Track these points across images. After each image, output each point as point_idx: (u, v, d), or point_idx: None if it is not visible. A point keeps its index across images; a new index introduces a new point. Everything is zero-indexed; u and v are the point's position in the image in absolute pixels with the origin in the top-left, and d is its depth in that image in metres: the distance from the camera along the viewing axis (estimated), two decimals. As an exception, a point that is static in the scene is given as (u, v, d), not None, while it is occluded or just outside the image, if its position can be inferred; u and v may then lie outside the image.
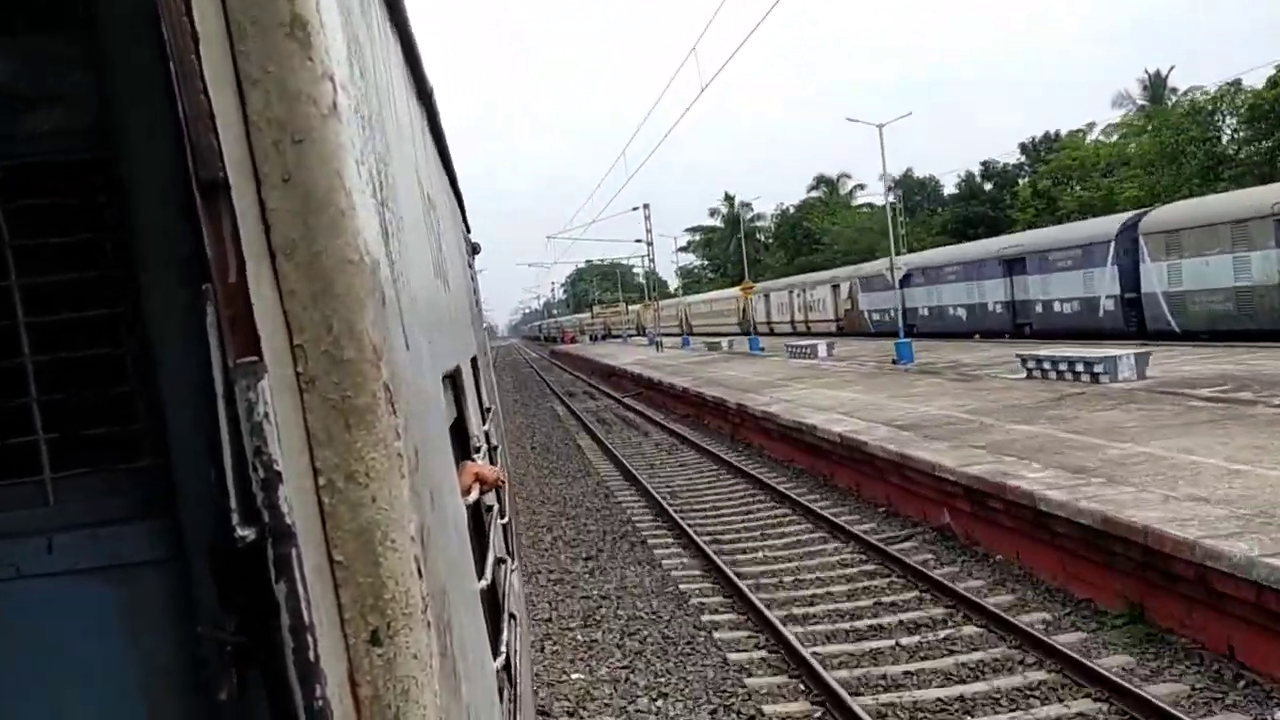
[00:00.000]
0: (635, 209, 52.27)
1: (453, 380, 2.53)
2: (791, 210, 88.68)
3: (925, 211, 67.20)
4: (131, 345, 1.21)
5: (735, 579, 9.79)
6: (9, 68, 1.18)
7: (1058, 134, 56.68)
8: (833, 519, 11.99)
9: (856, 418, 15.08)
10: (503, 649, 2.52)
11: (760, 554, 11.20)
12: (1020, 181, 55.20)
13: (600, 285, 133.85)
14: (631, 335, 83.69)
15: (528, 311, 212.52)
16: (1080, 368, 16.69)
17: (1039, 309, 31.05)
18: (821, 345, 30.55)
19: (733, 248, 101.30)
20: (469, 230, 7.75)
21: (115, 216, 1.19)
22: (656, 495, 14.41)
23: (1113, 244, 27.11)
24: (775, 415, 16.78)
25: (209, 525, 1.15)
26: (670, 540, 12.16)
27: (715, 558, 10.68)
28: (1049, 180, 49.27)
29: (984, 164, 59.13)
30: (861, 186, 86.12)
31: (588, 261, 61.23)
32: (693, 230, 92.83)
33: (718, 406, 20.86)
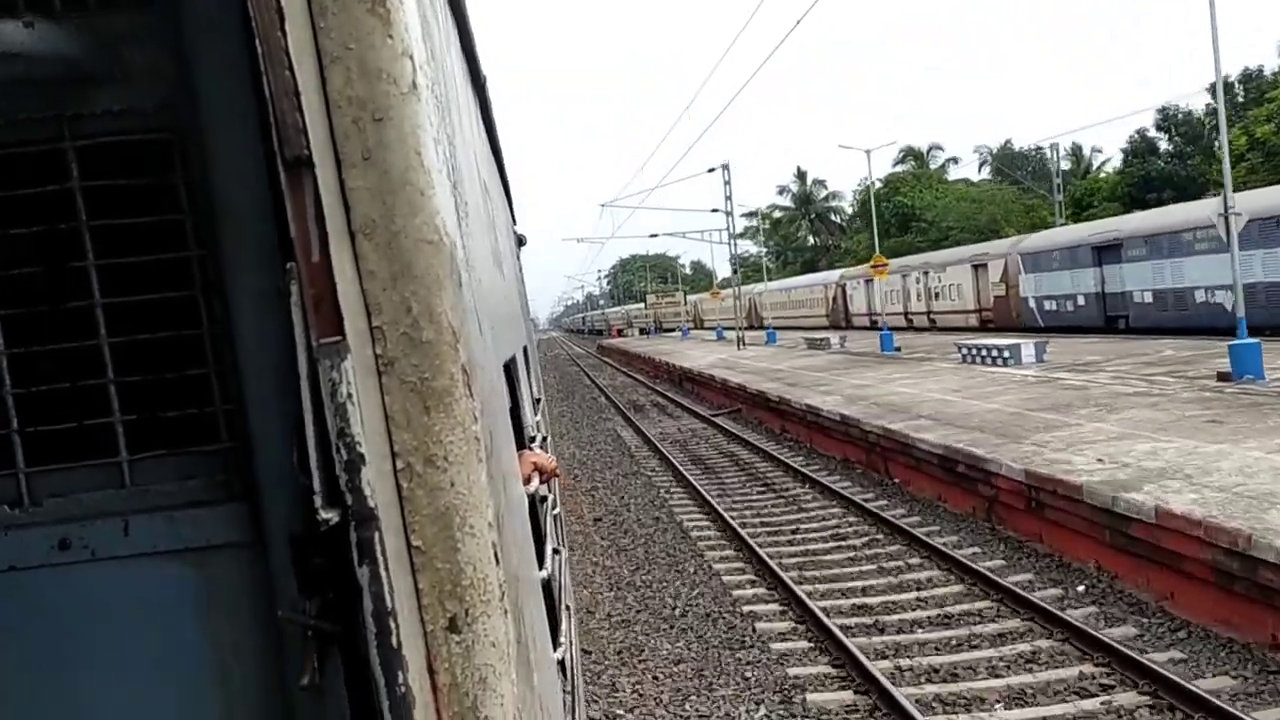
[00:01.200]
0: (712, 169, 40.89)
1: (508, 370, 2.57)
2: (879, 185, 73.98)
3: (1036, 183, 61.24)
4: (210, 327, 1.25)
5: None
6: (81, 46, 1.22)
7: (1259, 71, 43.64)
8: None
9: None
10: (562, 640, 2.56)
11: None
12: (1212, 130, 43.15)
13: (644, 276, 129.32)
14: (688, 329, 79.10)
15: (570, 304, 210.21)
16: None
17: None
18: (1028, 346, 22.63)
19: (803, 230, 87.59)
20: (515, 221, 8.07)
21: (194, 196, 1.23)
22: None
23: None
24: (1190, 518, 7.73)
25: (288, 508, 1.19)
26: None
27: None
28: (1272, 125, 38.18)
29: (1161, 111, 46.26)
30: (954, 160, 79.37)
31: (652, 235, 49.45)
32: (750, 215, 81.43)
33: (967, 472, 11.79)
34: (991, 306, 37.24)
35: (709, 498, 13.51)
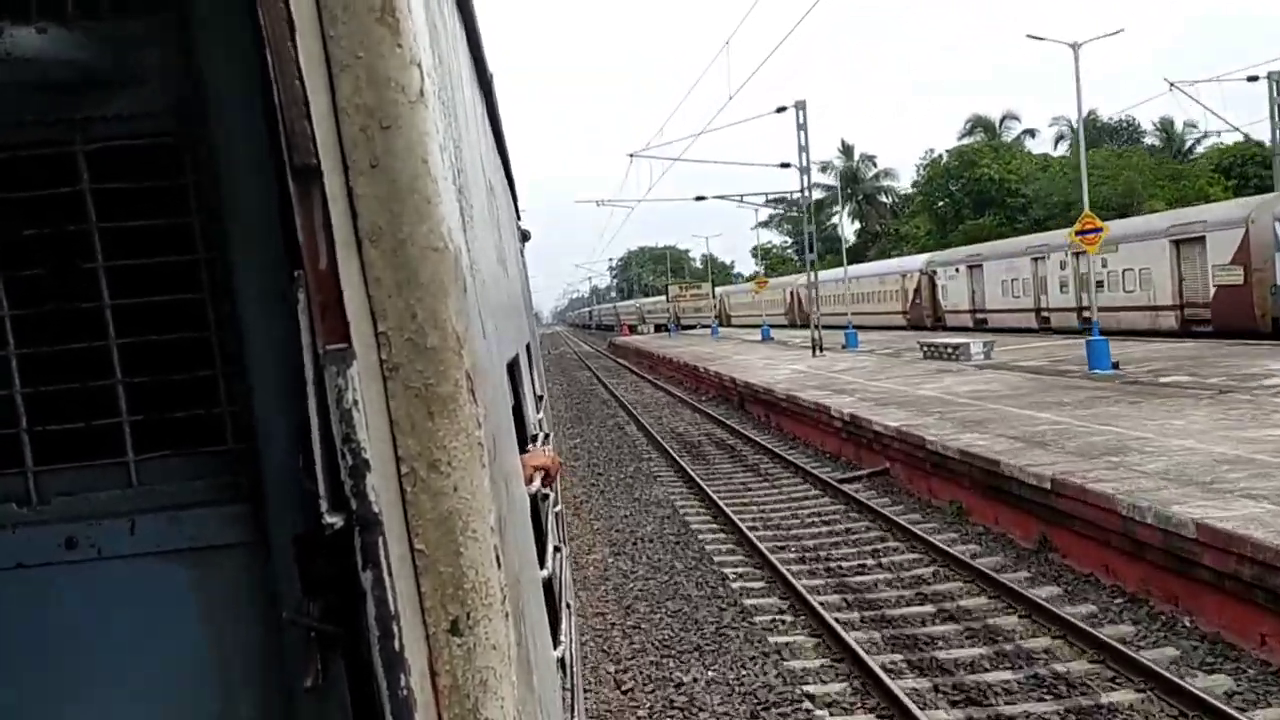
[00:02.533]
0: (782, 109, 34.53)
1: (511, 369, 2.69)
2: (944, 159, 69.66)
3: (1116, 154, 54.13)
4: (218, 330, 1.33)
5: None
6: (93, 51, 1.30)
7: None
8: None
9: None
10: (562, 639, 2.69)
11: None
12: None
13: (653, 271, 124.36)
14: (716, 327, 69.93)
15: (575, 297, 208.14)
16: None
17: None
18: None
19: (839, 215, 75.03)
20: (519, 217, 8.60)
21: (203, 200, 1.31)
22: None
23: None
24: None
25: (293, 511, 1.27)
26: None
27: None
28: None
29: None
30: (1031, 133, 70.43)
31: (698, 197, 36.92)
32: (776, 201, 69.75)
33: None
34: (1209, 300, 28.02)
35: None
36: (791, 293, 66.17)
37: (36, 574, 1.29)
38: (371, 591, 1.14)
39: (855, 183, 75.19)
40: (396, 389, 1.18)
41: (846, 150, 75.30)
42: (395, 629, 1.14)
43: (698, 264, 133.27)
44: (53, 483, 1.32)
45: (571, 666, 3.03)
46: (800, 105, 33.53)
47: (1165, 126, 59.43)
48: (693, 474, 17.27)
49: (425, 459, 1.18)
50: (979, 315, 41.16)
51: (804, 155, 33.94)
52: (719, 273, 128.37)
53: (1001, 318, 39.48)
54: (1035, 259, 36.55)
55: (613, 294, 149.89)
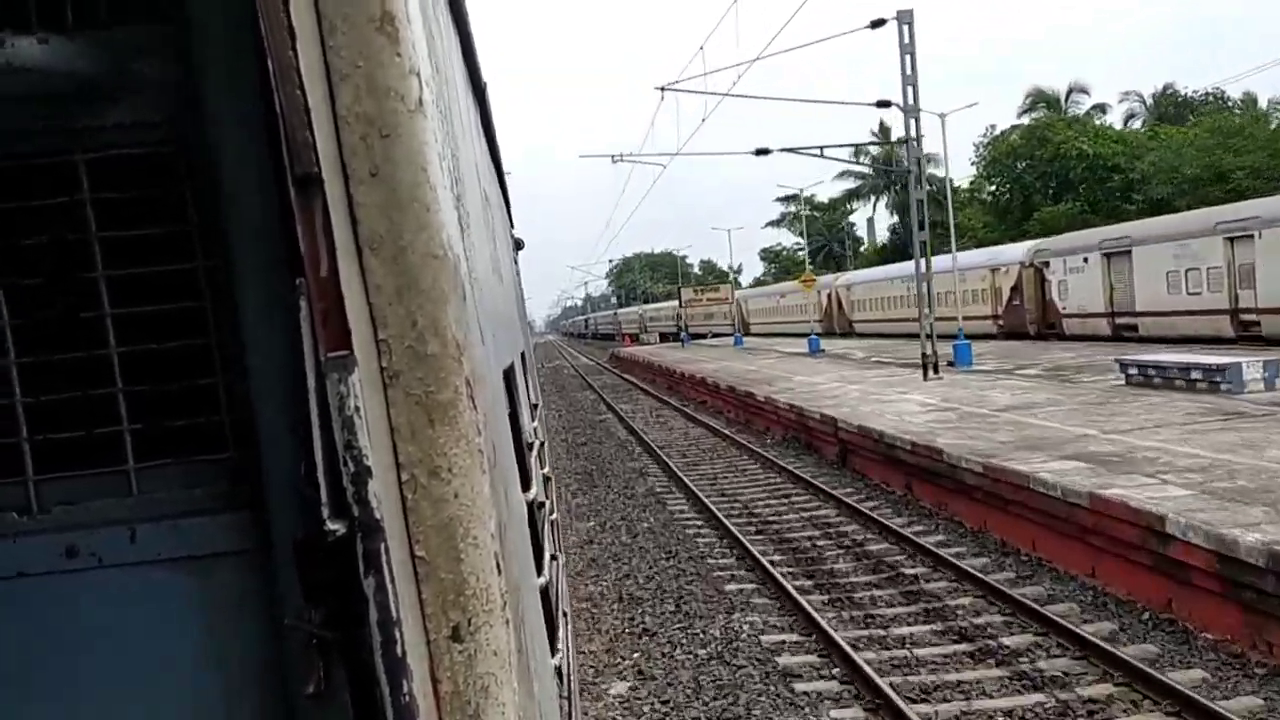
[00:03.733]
0: (879, 22, 19.02)
1: (508, 377, 2.67)
2: (1012, 136, 60.04)
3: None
4: (218, 338, 1.38)
5: None
6: (93, 61, 1.34)
7: None
8: None
9: None
10: (559, 646, 2.70)
11: None
12: None
13: (650, 276, 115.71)
14: (740, 337, 60.87)
15: (569, 305, 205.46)
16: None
17: None
18: None
19: (885, 205, 66.48)
20: (513, 225, 8.53)
21: (203, 209, 1.37)
22: None
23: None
24: None
25: (294, 518, 1.30)
26: None
27: None
28: None
29: None
30: (1101, 109, 60.72)
31: (760, 150, 26.00)
32: (787, 199, 60.18)
33: None
34: None
35: None
36: (828, 295, 58.40)
37: (37, 583, 1.35)
38: (373, 597, 1.17)
39: (889, 170, 65.48)
40: (397, 396, 1.21)
41: (884, 131, 65.89)
42: (397, 635, 1.18)
43: (696, 270, 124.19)
44: (53, 491, 1.38)
45: (569, 675, 3.12)
46: (906, 18, 22.85)
47: (1249, 100, 54.77)
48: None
49: (426, 466, 1.21)
50: (1123, 320, 31.31)
51: (910, 89, 23.09)
52: (723, 279, 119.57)
53: (1166, 324, 29.86)
54: (1231, 239, 27.21)
55: (613, 299, 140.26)
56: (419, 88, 1.22)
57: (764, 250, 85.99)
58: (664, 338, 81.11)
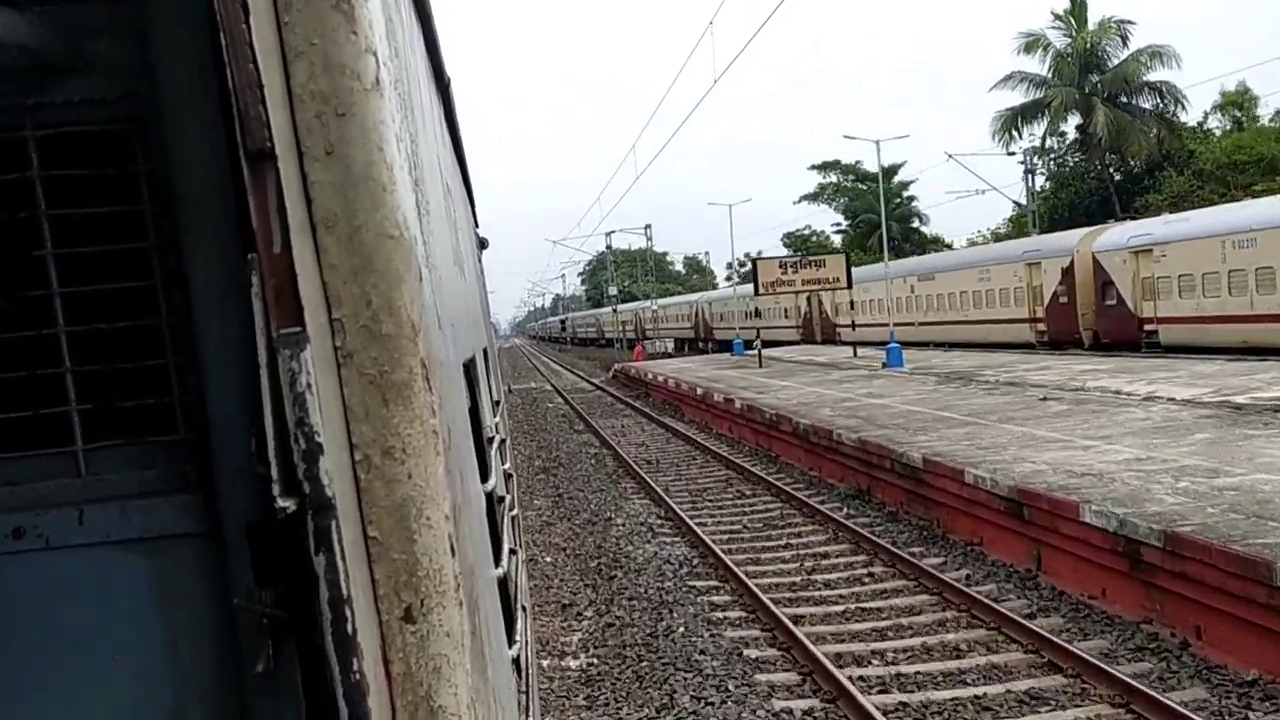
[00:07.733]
0: None
1: (468, 370, 2.69)
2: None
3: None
4: (170, 318, 1.38)
5: None
6: (42, 36, 1.35)
7: None
8: None
9: None
10: (517, 638, 2.75)
11: None
12: None
13: (628, 275, 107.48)
14: (867, 342, 41.23)
15: (534, 308, 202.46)
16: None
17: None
18: None
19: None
20: (478, 225, 8.86)
21: (154, 187, 1.37)
22: None
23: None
24: None
25: (245, 498, 1.32)
26: None
27: None
28: None
29: None
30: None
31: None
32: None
33: None
34: None
35: None
36: (808, 298, 46.12)
37: None
38: (324, 576, 1.18)
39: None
40: (351, 375, 1.22)
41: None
42: (348, 614, 1.19)
43: (678, 268, 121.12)
44: (0, 472, 1.40)
45: (527, 669, 3.15)
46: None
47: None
48: None
49: (379, 445, 1.22)
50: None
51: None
52: (706, 276, 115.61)
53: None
54: None
55: (612, 297, 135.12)
56: (376, 67, 1.23)
57: (788, 235, 71.21)
58: (680, 345, 63.40)
